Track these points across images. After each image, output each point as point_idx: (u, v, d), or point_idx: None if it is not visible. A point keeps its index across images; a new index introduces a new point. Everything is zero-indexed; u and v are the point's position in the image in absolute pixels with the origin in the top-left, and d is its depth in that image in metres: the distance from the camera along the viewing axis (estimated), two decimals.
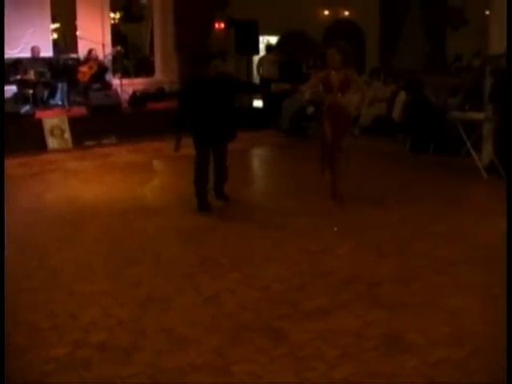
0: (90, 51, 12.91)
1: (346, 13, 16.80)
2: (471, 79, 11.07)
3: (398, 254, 5.79)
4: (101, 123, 11.88)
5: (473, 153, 9.13)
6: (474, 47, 13.08)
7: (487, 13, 10.54)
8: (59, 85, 12.48)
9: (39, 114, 11.65)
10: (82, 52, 13.41)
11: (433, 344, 4.02)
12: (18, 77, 11.95)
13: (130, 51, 17.31)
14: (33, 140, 11.05)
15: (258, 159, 11.58)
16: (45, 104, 12.29)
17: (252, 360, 3.84)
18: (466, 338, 4.11)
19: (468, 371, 3.71)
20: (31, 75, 12.02)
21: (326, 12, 16.83)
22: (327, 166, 7.43)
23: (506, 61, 8.47)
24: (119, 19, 17.62)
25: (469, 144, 9.13)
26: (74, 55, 13.56)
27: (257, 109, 14.76)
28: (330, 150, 7.30)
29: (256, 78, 15.35)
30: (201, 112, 7.01)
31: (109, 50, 13.74)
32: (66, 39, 16.06)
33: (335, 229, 6.45)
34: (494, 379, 3.66)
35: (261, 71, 14.91)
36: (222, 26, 15.16)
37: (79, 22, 13.92)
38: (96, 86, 12.82)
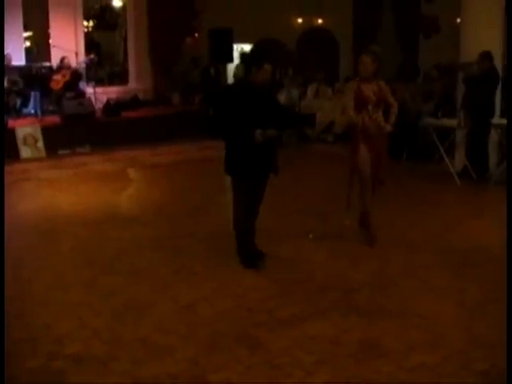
0: (62, 59, 12.83)
1: (320, 21, 16.94)
2: (443, 86, 11.22)
3: (372, 260, 5.82)
4: (74, 132, 11.79)
5: (446, 159, 9.24)
6: (447, 55, 13.25)
7: (458, 21, 10.67)
8: (32, 93, 12.39)
9: (12, 122, 11.54)
10: (54, 60, 13.34)
11: (408, 349, 4.05)
12: None
13: (104, 59, 17.28)
14: (5, 149, 10.91)
15: None
16: (17, 113, 12.18)
17: (228, 368, 3.83)
18: (441, 342, 4.15)
19: (443, 375, 3.75)
20: (3, 83, 11.91)
21: (300, 20, 16.95)
22: (360, 200, 6.33)
23: (507, 61, 8.60)
24: (92, 27, 17.58)
25: (442, 150, 9.24)
26: (46, 63, 13.47)
27: None
28: (366, 180, 6.19)
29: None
30: (247, 132, 5.27)
31: (82, 58, 13.67)
32: (39, 47, 15.95)
33: (310, 236, 6.47)
34: (468, 383, 3.70)
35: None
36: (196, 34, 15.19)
37: (52, 30, 13.88)
38: (69, 94, 12.72)
